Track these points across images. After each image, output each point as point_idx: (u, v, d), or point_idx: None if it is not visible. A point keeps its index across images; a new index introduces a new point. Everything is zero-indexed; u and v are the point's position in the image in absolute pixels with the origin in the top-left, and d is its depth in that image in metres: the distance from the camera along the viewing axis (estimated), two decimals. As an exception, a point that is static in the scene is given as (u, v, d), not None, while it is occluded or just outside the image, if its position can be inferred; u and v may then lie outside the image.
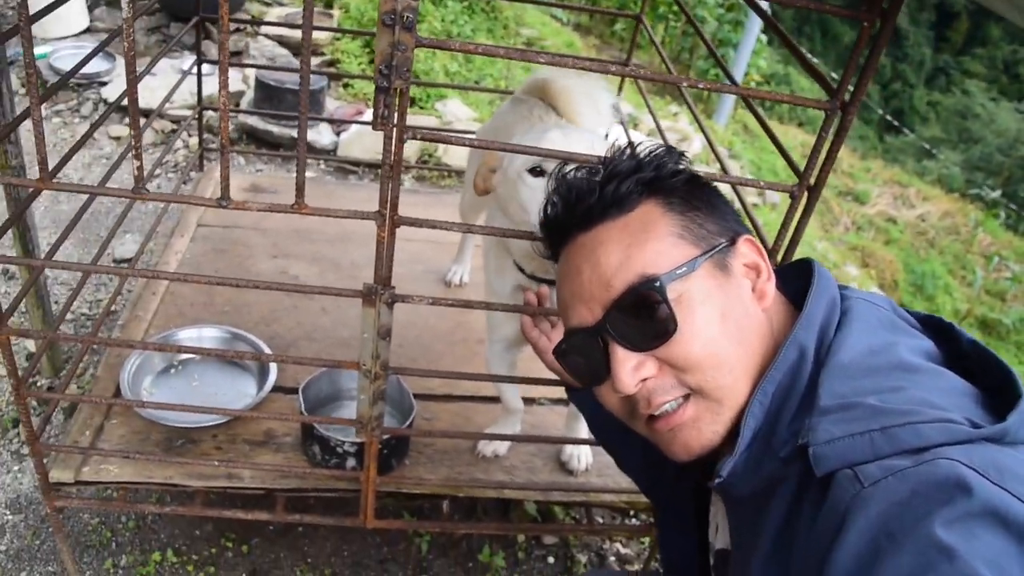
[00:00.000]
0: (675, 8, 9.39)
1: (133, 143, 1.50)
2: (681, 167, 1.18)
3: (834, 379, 1.03)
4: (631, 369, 1.10)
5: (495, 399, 2.49)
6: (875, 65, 1.49)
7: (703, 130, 2.22)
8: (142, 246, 2.74)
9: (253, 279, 1.69)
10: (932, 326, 1.18)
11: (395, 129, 1.46)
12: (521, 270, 1.92)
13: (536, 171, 1.74)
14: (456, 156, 4.25)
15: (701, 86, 1.60)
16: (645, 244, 1.10)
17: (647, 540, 2.66)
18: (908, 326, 1.15)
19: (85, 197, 2.21)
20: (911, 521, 0.85)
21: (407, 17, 1.34)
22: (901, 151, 19.14)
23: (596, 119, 2.24)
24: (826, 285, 1.15)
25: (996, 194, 14.12)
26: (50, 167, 1.51)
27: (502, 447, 2.32)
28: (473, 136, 2.93)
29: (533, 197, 1.71)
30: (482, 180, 1.89)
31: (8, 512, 2.54)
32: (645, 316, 1.08)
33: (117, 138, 4.46)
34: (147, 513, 2.55)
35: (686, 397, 1.11)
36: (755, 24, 7.82)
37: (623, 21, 9.48)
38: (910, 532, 0.84)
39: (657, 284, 1.07)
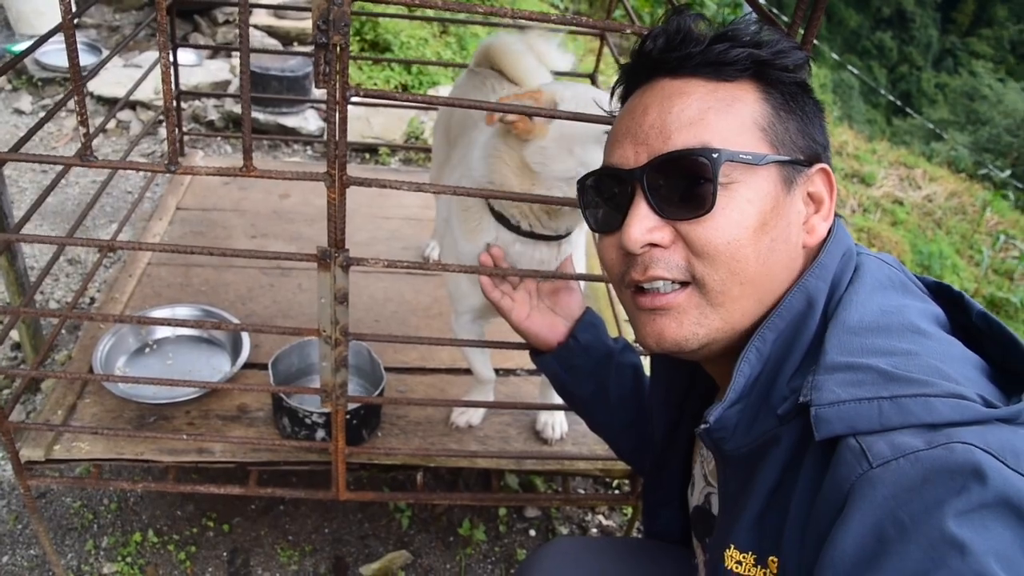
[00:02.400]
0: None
1: (77, 110, 1.49)
2: (795, 67, 1.07)
3: (842, 335, 0.98)
4: (646, 228, 1.04)
5: (471, 371, 2.49)
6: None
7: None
8: (118, 229, 2.74)
9: (211, 248, 1.68)
10: (941, 294, 1.12)
11: (337, 86, 1.45)
12: (515, 228, 1.85)
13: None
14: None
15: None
16: (724, 116, 1.03)
17: (629, 511, 2.64)
18: (918, 289, 1.09)
19: (59, 188, 2.21)
20: (921, 510, 0.81)
21: (342, -30, 1.34)
22: (908, 133, 19.04)
23: (544, 74, 2.20)
24: (843, 237, 1.09)
25: (1005, 174, 14.03)
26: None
27: (475, 417, 2.31)
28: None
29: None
30: (521, 120, 1.71)
31: (-9, 497, 2.55)
32: (687, 183, 1.01)
33: (104, 131, 4.47)
34: (123, 491, 2.55)
35: (684, 284, 1.05)
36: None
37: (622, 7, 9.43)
38: (920, 523, 0.80)
39: (714, 156, 1.00)
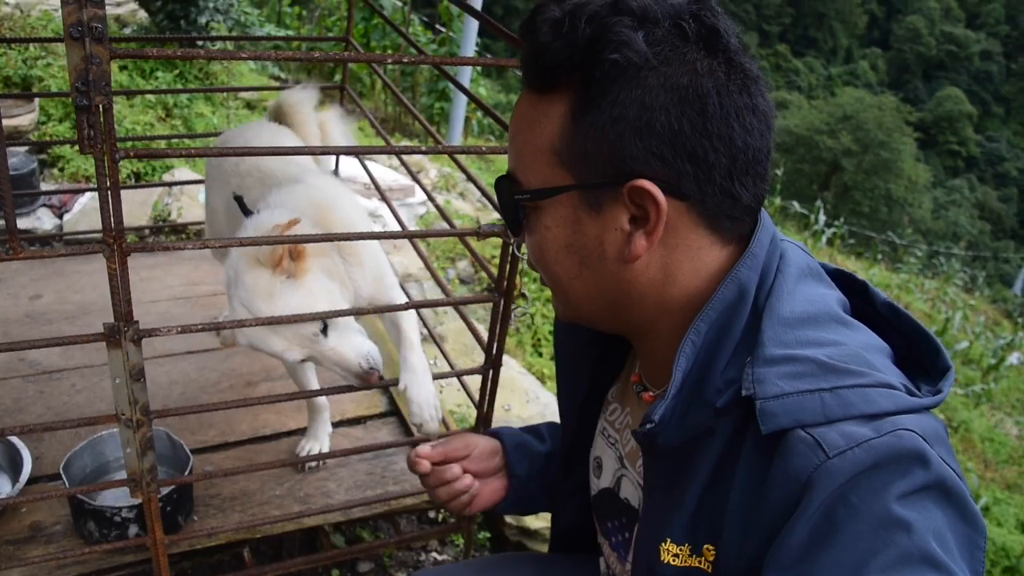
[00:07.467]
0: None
1: None
2: (614, 46, 0.93)
3: (777, 327, 0.98)
4: (518, 231, 1.13)
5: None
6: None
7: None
8: None
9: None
10: (843, 281, 1.15)
11: (105, 149, 1.39)
12: None
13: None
14: (192, 214, 4.08)
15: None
16: (526, 141, 1.04)
17: (461, 540, 2.64)
18: (827, 277, 1.12)
19: None
20: (870, 493, 0.86)
21: (96, 28, 1.28)
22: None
23: None
24: (769, 225, 1.07)
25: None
26: None
27: (325, 443, 2.36)
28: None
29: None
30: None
31: None
32: (510, 205, 1.09)
33: None
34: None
35: None
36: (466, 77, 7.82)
37: (339, 71, 9.55)
38: (869, 504, 0.86)
39: (519, 193, 1.07)
